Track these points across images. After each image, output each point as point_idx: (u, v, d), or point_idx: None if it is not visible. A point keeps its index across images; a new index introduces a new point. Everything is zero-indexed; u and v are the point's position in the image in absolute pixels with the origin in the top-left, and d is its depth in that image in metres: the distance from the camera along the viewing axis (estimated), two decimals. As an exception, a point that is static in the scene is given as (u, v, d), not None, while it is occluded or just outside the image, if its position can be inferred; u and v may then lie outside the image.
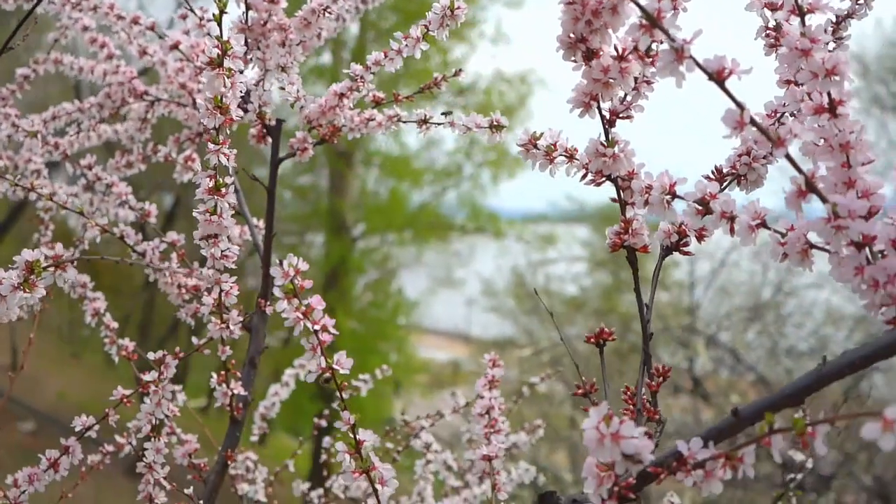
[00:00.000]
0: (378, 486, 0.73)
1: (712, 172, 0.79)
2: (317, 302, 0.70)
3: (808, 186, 0.59)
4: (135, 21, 1.16)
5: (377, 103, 1.10)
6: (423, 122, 1.05)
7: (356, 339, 10.59)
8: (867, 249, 0.58)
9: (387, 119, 1.07)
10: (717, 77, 0.57)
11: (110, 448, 1.20)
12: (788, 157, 0.57)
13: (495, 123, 0.94)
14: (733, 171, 0.79)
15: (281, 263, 0.69)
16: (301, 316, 0.69)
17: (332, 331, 0.70)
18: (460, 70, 1.12)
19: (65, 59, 1.34)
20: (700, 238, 0.77)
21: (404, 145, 11.99)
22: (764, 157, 0.78)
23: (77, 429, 1.02)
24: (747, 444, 0.55)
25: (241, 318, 1.00)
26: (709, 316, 6.80)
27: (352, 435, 0.73)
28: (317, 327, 0.70)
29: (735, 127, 0.57)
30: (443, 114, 1.05)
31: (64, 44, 1.38)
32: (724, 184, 0.79)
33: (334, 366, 0.71)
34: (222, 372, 1.06)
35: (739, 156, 0.79)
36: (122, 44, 1.26)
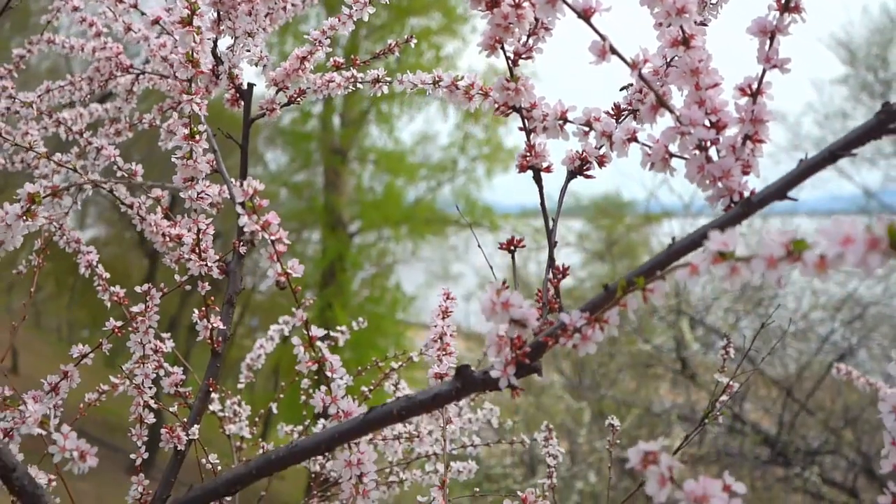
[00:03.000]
0: (329, 374, 0.86)
1: (612, 108, 0.93)
2: (273, 217, 0.83)
3: (659, 101, 0.72)
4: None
5: (338, 67, 1.24)
6: (377, 81, 1.19)
7: (354, 335, 10.68)
8: (708, 152, 0.72)
9: (345, 80, 1.21)
10: (585, 14, 0.71)
11: (105, 387, 1.33)
12: (641, 76, 0.71)
13: (436, 80, 1.07)
14: (629, 106, 0.92)
15: (241, 185, 0.82)
16: (259, 228, 0.83)
17: (286, 241, 0.84)
18: (411, 37, 1.26)
19: (57, 39, 1.47)
20: (601, 164, 0.90)
21: (399, 141, 12.14)
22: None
23: (74, 356, 1.15)
24: (609, 307, 0.68)
25: (217, 257, 1.14)
26: (697, 299, 6.94)
27: (305, 331, 0.86)
28: (273, 237, 0.83)
29: (599, 55, 0.71)
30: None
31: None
32: (622, 117, 0.92)
33: (288, 270, 0.84)
34: (203, 308, 1.19)
35: (634, 93, 0.92)
36: (109, 22, 1.39)
